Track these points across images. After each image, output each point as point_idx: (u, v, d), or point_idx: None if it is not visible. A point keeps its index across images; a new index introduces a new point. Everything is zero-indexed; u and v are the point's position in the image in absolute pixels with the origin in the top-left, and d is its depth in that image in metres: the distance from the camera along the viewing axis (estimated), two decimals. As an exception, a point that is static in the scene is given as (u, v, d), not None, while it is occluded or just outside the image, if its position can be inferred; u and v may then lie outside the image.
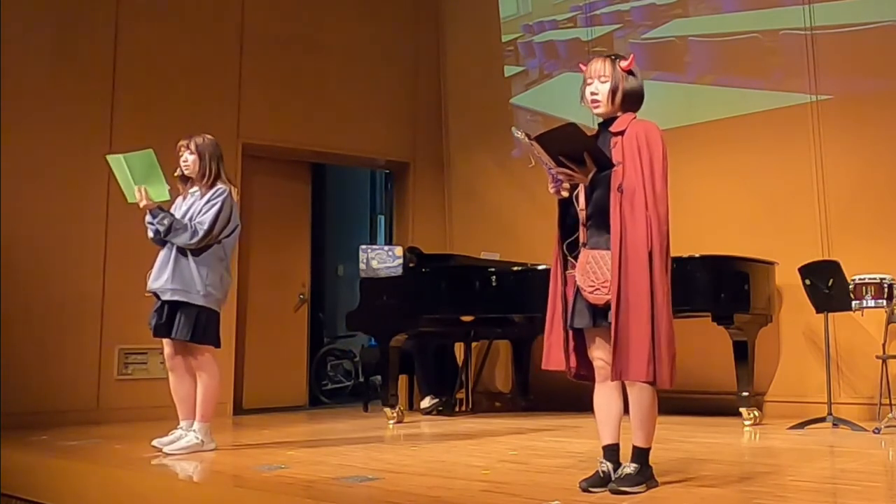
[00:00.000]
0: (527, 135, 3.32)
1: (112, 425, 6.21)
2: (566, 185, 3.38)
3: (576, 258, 3.39)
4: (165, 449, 4.65)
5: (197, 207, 4.76)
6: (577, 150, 3.30)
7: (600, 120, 3.49)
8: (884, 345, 5.58)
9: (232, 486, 3.92)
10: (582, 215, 3.37)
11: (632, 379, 3.26)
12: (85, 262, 6.75)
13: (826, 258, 5.89)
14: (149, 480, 4.20)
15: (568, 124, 3.29)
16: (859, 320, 5.84)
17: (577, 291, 3.37)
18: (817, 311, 5.63)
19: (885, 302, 5.48)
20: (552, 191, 3.41)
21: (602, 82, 3.41)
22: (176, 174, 4.85)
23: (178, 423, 4.80)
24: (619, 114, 3.43)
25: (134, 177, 4.63)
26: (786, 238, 6.31)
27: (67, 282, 6.65)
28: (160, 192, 4.66)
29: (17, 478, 4.69)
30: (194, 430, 4.73)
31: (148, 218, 4.72)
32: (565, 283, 3.43)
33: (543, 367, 3.49)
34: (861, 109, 6.21)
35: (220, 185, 4.80)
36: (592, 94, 3.43)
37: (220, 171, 4.82)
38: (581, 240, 3.38)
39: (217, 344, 4.80)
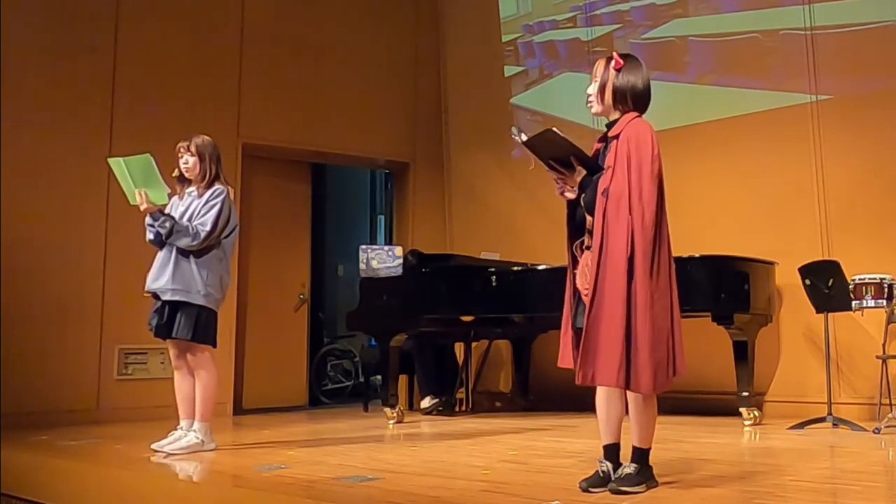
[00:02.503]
0: (521, 138, 3.35)
1: (112, 425, 6.21)
2: (570, 186, 3.39)
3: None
4: (166, 448, 4.66)
5: (195, 208, 4.76)
6: (564, 154, 3.32)
7: (606, 121, 3.50)
8: (884, 345, 5.58)
9: (232, 486, 3.92)
10: (589, 219, 3.38)
11: (598, 383, 3.27)
12: (85, 263, 6.75)
13: (826, 258, 5.89)
14: (149, 480, 4.20)
15: (546, 130, 3.34)
16: (859, 320, 5.84)
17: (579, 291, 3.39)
18: (817, 311, 5.63)
19: (885, 302, 5.48)
20: (557, 192, 3.44)
21: (594, 83, 3.46)
22: (174, 175, 4.85)
23: (178, 423, 4.80)
24: (617, 114, 3.43)
25: (134, 180, 4.63)
26: (786, 238, 6.31)
27: (67, 282, 6.65)
28: (160, 196, 4.67)
29: (17, 478, 4.69)
30: (194, 430, 4.73)
31: (148, 220, 4.72)
32: (574, 282, 3.45)
33: (559, 364, 3.49)
34: (861, 109, 6.21)
35: (217, 186, 4.80)
36: (587, 94, 3.49)
37: (218, 173, 4.83)
38: (586, 242, 3.39)
39: (215, 344, 4.81)
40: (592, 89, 3.46)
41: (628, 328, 3.20)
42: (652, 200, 3.26)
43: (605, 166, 3.31)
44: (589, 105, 3.48)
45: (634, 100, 3.43)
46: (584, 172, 3.33)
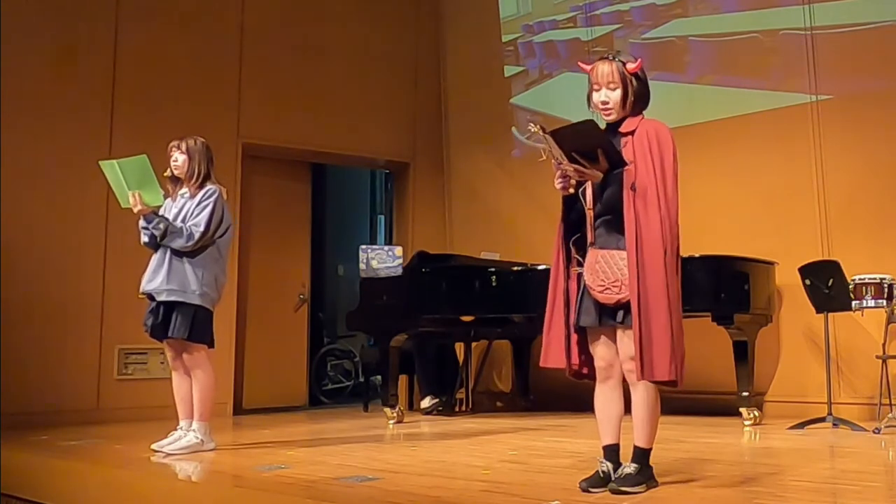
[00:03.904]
0: (542, 128, 3.27)
1: (112, 425, 6.21)
2: (573, 181, 3.36)
3: (582, 256, 3.38)
4: (166, 448, 4.66)
5: (189, 209, 4.76)
6: (592, 146, 3.27)
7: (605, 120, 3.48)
8: (884, 345, 5.58)
9: (232, 486, 3.92)
10: (590, 214, 3.35)
11: (657, 378, 3.24)
12: (85, 263, 6.75)
13: (826, 258, 5.89)
14: (149, 480, 4.20)
15: (587, 121, 3.25)
16: (859, 320, 5.84)
17: (584, 290, 3.36)
18: (817, 311, 5.63)
19: (885, 302, 5.48)
20: (559, 186, 3.37)
21: (612, 89, 3.36)
22: (165, 174, 4.86)
23: (178, 424, 4.81)
24: (628, 115, 3.41)
25: (128, 182, 4.63)
26: (786, 238, 6.31)
27: (67, 282, 6.65)
28: (154, 198, 4.67)
29: (17, 478, 4.68)
30: (194, 430, 4.73)
31: (142, 223, 4.72)
32: (567, 280, 3.42)
33: (542, 364, 3.47)
34: (861, 109, 6.21)
35: (209, 186, 4.81)
36: (603, 102, 3.37)
37: (209, 173, 4.84)
38: (589, 239, 3.36)
39: (212, 343, 4.82)
40: (612, 97, 3.36)
41: (671, 322, 3.21)
42: (676, 197, 3.29)
43: (627, 161, 3.29)
44: (607, 113, 3.37)
45: (648, 102, 3.43)
46: (607, 167, 3.29)
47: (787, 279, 6.02)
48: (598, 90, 3.39)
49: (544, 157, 3.36)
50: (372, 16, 8.38)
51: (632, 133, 3.34)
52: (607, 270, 3.28)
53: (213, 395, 4.86)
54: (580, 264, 3.38)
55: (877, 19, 6.17)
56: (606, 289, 3.28)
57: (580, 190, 3.37)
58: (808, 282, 5.58)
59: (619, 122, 3.40)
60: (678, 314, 3.26)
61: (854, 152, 6.21)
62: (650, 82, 3.51)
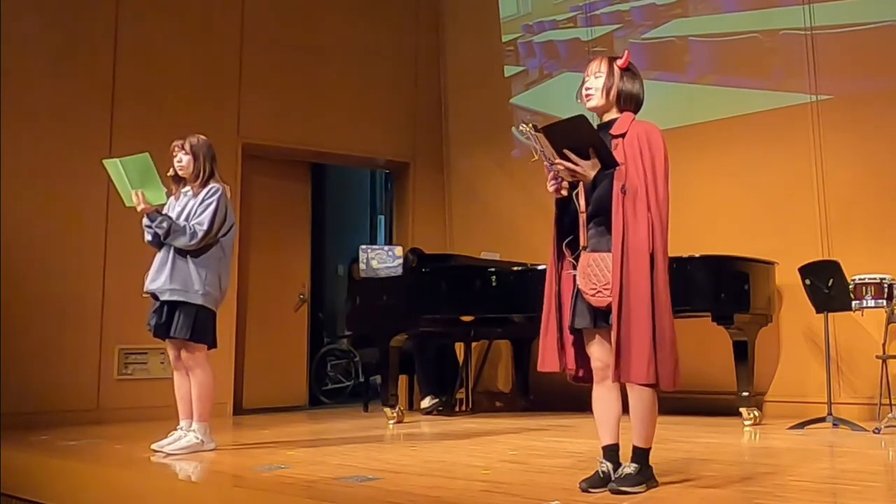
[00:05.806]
0: (534, 125, 3.28)
1: (112, 425, 6.21)
2: (566, 183, 3.36)
3: (576, 259, 3.38)
4: (166, 448, 4.66)
5: (192, 207, 4.76)
6: (583, 143, 3.27)
7: (600, 121, 3.49)
8: (884, 345, 5.58)
9: (232, 486, 3.92)
10: (582, 217, 3.35)
11: (633, 381, 3.24)
12: (85, 262, 6.75)
13: (826, 258, 5.89)
14: (149, 480, 4.20)
15: (578, 116, 3.26)
16: (859, 320, 5.84)
17: (578, 292, 3.36)
18: (817, 311, 5.63)
19: (885, 302, 5.48)
20: (551, 189, 3.38)
21: (596, 77, 3.44)
22: (169, 174, 4.85)
23: (178, 424, 4.81)
24: (616, 114, 3.42)
25: (131, 181, 4.63)
26: (786, 238, 6.31)
27: (67, 282, 6.65)
28: (157, 196, 4.67)
29: (17, 478, 4.69)
30: (193, 430, 4.73)
31: (145, 221, 4.72)
32: (559, 283, 3.42)
33: (539, 369, 3.47)
34: (861, 109, 6.21)
35: (213, 184, 4.80)
36: (586, 87, 3.45)
37: (213, 171, 4.84)
38: (581, 242, 3.36)
39: (214, 344, 4.82)
40: (594, 84, 3.43)
41: (654, 325, 3.21)
42: (666, 199, 3.30)
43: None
44: (587, 98, 3.45)
45: (637, 103, 3.45)
46: (598, 165, 3.29)
47: (787, 279, 6.02)
48: (586, 80, 3.48)
49: (536, 157, 3.38)
50: (372, 16, 8.38)
51: (622, 136, 3.35)
52: (598, 274, 3.28)
53: (213, 394, 4.85)
54: (574, 266, 3.39)
55: (877, 19, 6.17)
56: (598, 292, 3.28)
57: (574, 192, 3.37)
58: (808, 282, 5.58)
59: (609, 124, 3.42)
60: (666, 318, 3.24)
61: (854, 152, 6.21)
62: (648, 82, 3.52)
